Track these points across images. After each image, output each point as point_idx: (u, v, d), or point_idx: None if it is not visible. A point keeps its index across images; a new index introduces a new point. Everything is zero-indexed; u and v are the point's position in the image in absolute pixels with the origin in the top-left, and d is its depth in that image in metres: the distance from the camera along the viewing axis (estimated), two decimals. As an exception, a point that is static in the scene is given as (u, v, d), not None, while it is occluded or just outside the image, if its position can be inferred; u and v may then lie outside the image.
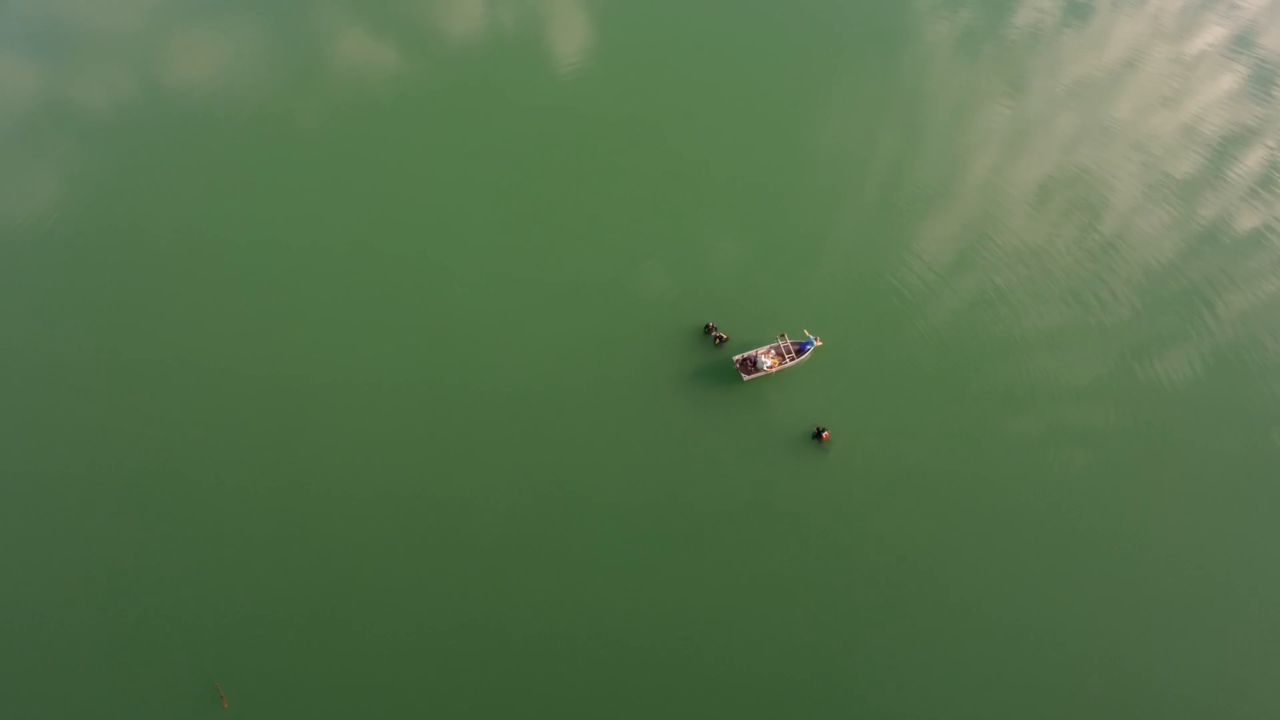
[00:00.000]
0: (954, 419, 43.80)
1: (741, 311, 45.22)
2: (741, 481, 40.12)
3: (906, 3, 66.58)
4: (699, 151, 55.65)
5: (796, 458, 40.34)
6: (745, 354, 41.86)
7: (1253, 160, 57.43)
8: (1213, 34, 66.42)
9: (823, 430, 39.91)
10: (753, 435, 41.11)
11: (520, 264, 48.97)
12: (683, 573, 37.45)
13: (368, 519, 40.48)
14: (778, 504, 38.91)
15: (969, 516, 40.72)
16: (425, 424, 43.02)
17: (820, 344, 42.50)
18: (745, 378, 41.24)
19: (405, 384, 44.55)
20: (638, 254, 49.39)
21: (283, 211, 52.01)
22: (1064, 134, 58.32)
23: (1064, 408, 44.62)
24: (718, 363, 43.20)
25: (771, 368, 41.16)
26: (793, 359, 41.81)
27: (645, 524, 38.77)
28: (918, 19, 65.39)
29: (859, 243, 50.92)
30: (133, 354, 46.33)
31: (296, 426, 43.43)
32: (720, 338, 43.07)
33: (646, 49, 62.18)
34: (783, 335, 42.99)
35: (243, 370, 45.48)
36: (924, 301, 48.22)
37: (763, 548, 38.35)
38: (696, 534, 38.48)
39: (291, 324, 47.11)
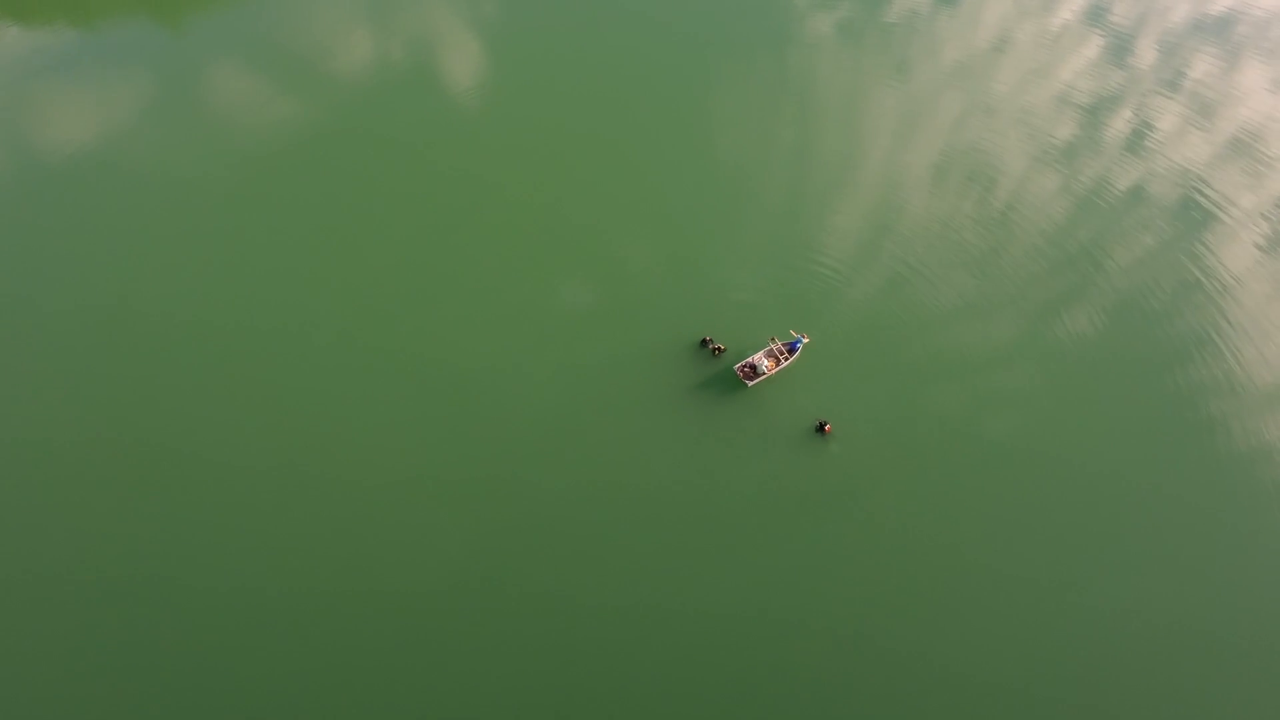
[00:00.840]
0: (930, 391, 45.31)
1: (725, 320, 45.98)
2: (755, 476, 41.06)
3: (789, 2, 68.85)
4: (625, 175, 55.86)
5: (803, 451, 41.88)
6: (744, 361, 42.91)
7: (1121, 122, 61.56)
8: (1071, 7, 71.19)
9: (824, 423, 41.36)
10: (761, 434, 42.20)
11: (471, 308, 47.75)
12: (717, 564, 38.60)
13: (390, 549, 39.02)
14: (792, 491, 40.76)
15: (957, 479, 42.40)
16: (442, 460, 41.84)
17: (808, 340, 44.09)
18: (749, 384, 42.29)
19: (410, 425, 42.84)
20: (614, 280, 49.09)
21: (184, 269, 49.29)
22: (950, 112, 61.17)
23: (987, 371, 46.68)
24: (720, 372, 43.97)
25: (770, 369, 42.43)
26: (786, 359, 43.14)
27: (675, 527, 39.85)
28: (801, 16, 67.65)
29: (796, 238, 51.94)
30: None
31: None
32: (718, 349, 43.84)
33: (546, 72, 62.08)
34: (773, 339, 44.12)
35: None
36: (881, 287, 49.79)
37: (785, 531, 39.75)
38: (724, 528, 39.85)
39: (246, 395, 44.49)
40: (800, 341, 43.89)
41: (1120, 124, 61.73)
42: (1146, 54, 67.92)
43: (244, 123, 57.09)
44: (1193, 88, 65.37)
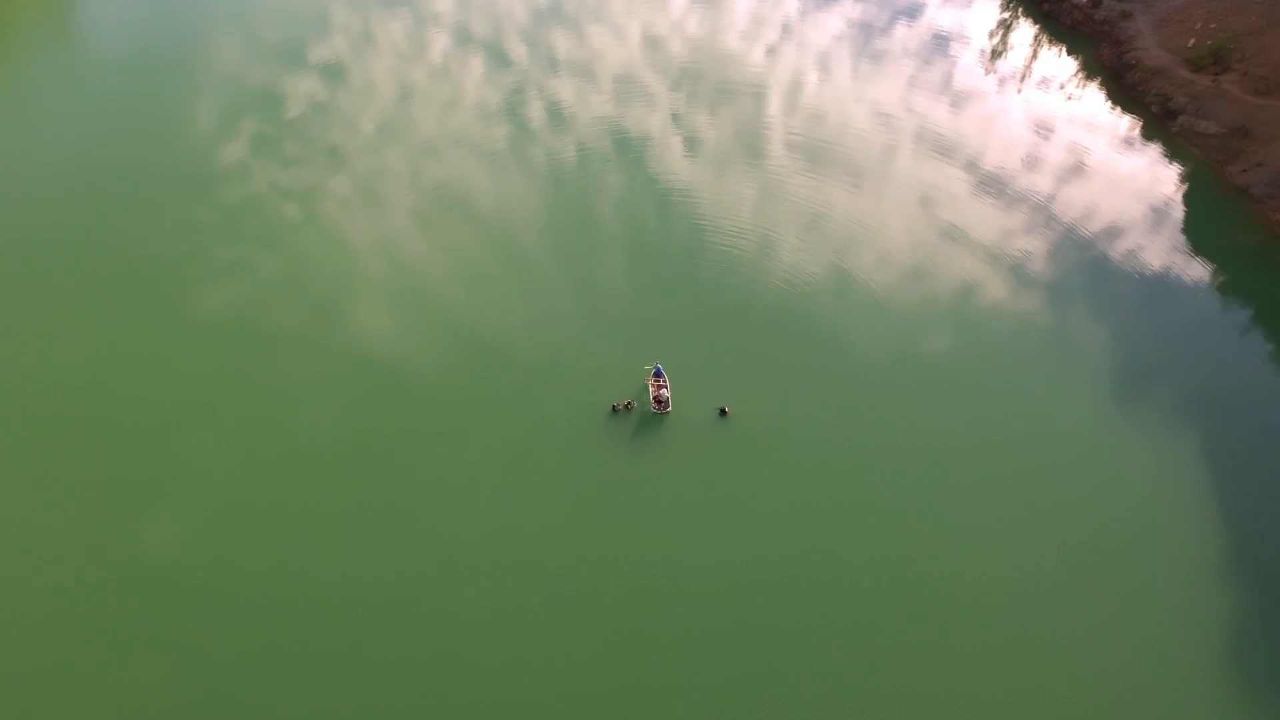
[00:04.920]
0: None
1: (601, 385, 47.77)
2: (687, 465, 44.96)
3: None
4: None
5: (713, 432, 46.31)
6: (654, 398, 46.58)
7: (536, 107, 70.08)
8: (440, 43, 78.48)
9: (724, 409, 46.41)
10: (683, 437, 46.09)
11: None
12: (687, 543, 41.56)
13: None
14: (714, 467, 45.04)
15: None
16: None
17: (659, 365, 48.17)
18: (666, 411, 46.47)
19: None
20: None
21: None
22: (407, 172, 63.57)
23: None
24: (644, 418, 46.75)
25: (664, 391, 46.80)
26: (665, 383, 47.18)
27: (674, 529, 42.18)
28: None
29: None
30: None
31: None
32: (629, 405, 46.81)
33: None
34: (647, 375, 47.84)
35: None
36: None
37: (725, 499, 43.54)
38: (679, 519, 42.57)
39: None
40: (659, 368, 47.85)
41: (536, 108, 70.16)
42: (517, 49, 77.95)
43: None
44: (567, 59, 76.97)
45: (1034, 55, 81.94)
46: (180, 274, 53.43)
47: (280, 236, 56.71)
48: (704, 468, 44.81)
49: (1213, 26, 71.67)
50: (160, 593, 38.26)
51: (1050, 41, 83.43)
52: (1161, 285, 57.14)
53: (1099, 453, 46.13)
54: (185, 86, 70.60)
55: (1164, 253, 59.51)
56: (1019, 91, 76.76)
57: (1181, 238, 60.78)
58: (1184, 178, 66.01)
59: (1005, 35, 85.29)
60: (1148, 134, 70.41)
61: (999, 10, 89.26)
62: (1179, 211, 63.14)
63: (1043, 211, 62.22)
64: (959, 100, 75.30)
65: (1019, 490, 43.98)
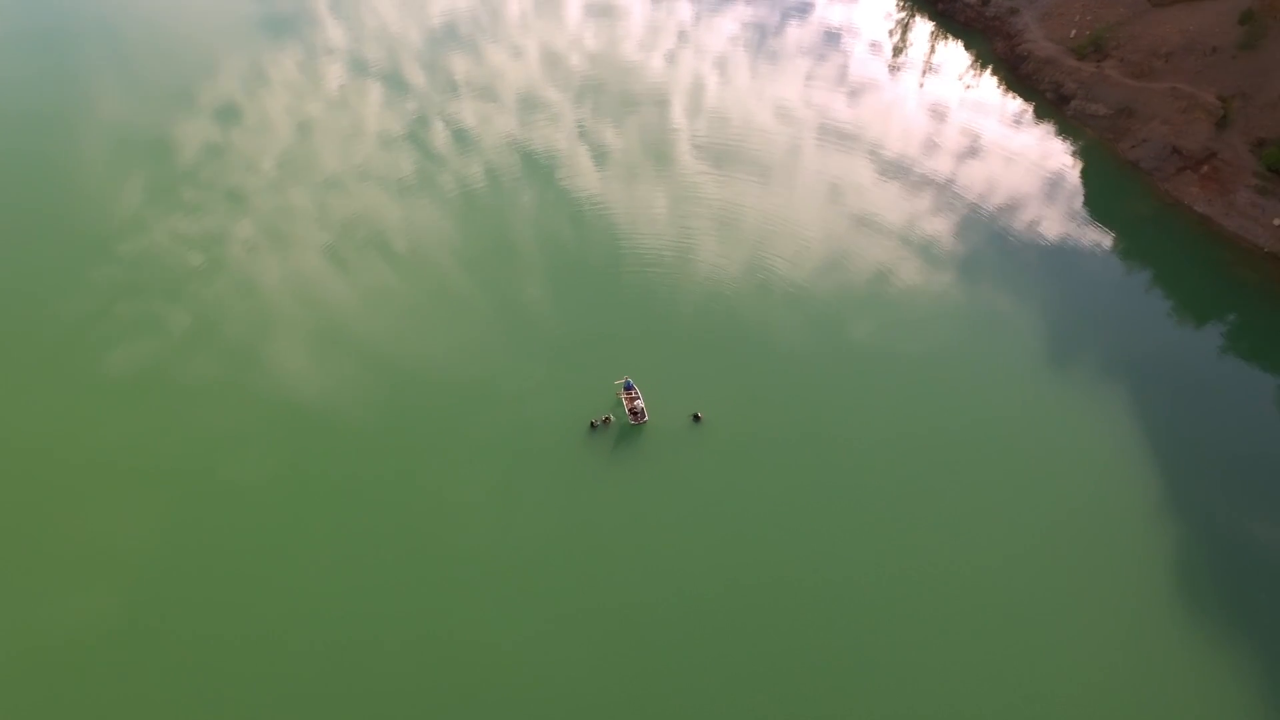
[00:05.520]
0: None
1: (575, 405, 48.60)
2: (666, 466, 46.20)
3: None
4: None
5: (689, 436, 47.56)
6: (629, 411, 47.90)
7: (440, 131, 69.66)
8: (335, 70, 77.19)
9: (697, 414, 48.13)
10: (661, 441, 47.24)
11: None
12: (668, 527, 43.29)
13: None
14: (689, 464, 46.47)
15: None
16: None
17: (629, 378, 49.45)
18: (643, 421, 47.68)
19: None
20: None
21: None
22: (314, 209, 62.33)
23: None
24: (621, 431, 47.71)
25: (639, 402, 48.03)
26: (638, 394, 48.41)
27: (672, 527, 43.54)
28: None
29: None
30: None
31: None
32: (606, 420, 47.91)
33: None
34: (618, 390, 48.94)
35: None
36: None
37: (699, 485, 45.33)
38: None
39: None
40: (630, 383, 48.98)
41: (440, 133, 69.71)
42: (415, 75, 77.28)
43: None
44: (466, 81, 76.71)
45: (933, 50, 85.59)
46: (84, 334, 51.36)
47: (187, 286, 54.89)
48: (684, 472, 45.82)
49: (1089, 18, 76.70)
50: (78, 673, 36.67)
51: (949, 38, 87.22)
52: (1070, 254, 60.67)
53: (1046, 425, 48.38)
54: (72, 140, 67.96)
55: (1068, 224, 63.21)
56: (921, 85, 79.99)
57: (1083, 210, 64.69)
58: (1081, 156, 70.10)
59: (905, 33, 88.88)
60: (1045, 118, 74.44)
61: (896, 10, 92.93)
62: (1079, 187, 67.15)
63: (955, 195, 65.38)
64: (870, 96, 78.20)
65: (971, 475, 45.67)
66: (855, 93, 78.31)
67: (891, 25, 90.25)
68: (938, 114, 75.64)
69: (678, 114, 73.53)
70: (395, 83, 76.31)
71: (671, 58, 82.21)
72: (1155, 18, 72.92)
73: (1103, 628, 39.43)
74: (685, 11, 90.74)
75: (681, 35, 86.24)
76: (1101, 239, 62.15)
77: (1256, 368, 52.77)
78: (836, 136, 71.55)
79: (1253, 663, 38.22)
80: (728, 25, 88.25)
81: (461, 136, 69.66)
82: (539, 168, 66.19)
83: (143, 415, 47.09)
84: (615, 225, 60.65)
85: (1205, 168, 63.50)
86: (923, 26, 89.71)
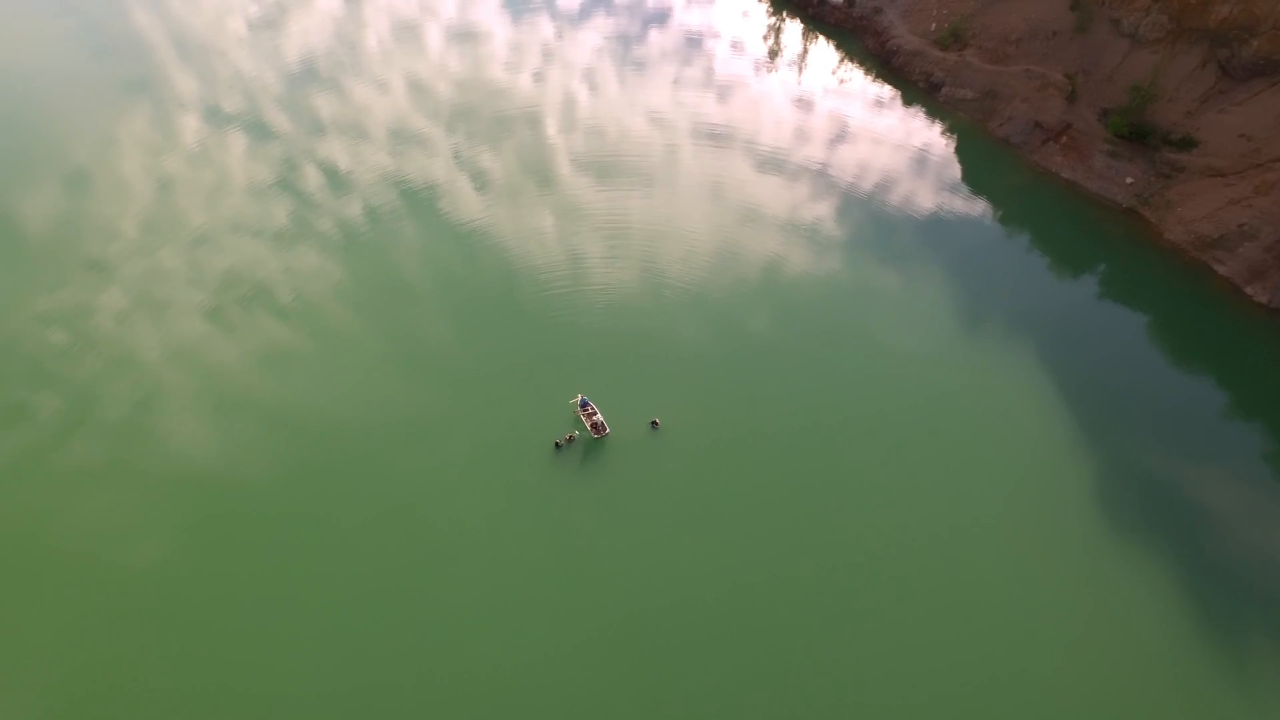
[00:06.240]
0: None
1: (538, 426, 49.29)
2: (635, 474, 47.49)
3: None
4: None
5: (651, 443, 48.92)
6: (590, 426, 48.86)
7: (312, 175, 67.63)
8: (192, 124, 73.70)
9: (654, 421, 49.57)
10: (626, 451, 48.44)
11: None
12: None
13: None
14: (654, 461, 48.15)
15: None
16: None
17: (584, 396, 50.32)
18: (605, 434, 48.75)
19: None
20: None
21: None
22: (185, 271, 59.42)
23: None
24: (589, 447, 48.59)
25: (598, 416, 49.20)
26: (595, 410, 49.52)
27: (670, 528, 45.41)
28: None
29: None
30: None
31: None
32: (571, 438, 48.60)
33: None
34: (574, 408, 49.80)
35: None
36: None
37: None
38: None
39: None
40: (586, 400, 49.82)
41: (312, 176, 67.65)
42: (277, 119, 74.72)
43: None
44: (333, 119, 74.70)
45: (806, 51, 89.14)
46: (-61, 436, 47.31)
47: (51, 368, 51.40)
48: (653, 477, 47.33)
49: (945, 12, 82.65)
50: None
51: (821, 38, 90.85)
52: (955, 225, 65.23)
53: (961, 387, 52.10)
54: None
55: (952, 199, 67.82)
56: (799, 83, 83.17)
57: (964, 185, 69.40)
58: (956, 136, 74.93)
59: (778, 36, 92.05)
60: (920, 105, 78.97)
61: (767, 15, 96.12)
62: (957, 164, 71.77)
63: (845, 183, 69.13)
64: (746, 95, 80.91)
65: (906, 452, 48.63)
66: (738, 95, 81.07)
67: (764, 30, 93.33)
68: (820, 110, 79.35)
69: (553, 131, 73.92)
70: (258, 129, 73.58)
71: (539, 76, 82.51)
72: (1001, 8, 79.08)
73: (1044, 554, 43.62)
74: (547, 28, 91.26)
75: (546, 52, 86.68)
76: (983, 209, 66.83)
77: (1128, 309, 57.83)
78: (714, 139, 73.79)
79: (1158, 559, 42.94)
80: (591, 38, 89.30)
81: (335, 177, 67.82)
82: (419, 200, 65.25)
83: (18, 506, 43.87)
84: (507, 249, 60.53)
85: (1064, 138, 69.78)
86: (795, 29, 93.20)
